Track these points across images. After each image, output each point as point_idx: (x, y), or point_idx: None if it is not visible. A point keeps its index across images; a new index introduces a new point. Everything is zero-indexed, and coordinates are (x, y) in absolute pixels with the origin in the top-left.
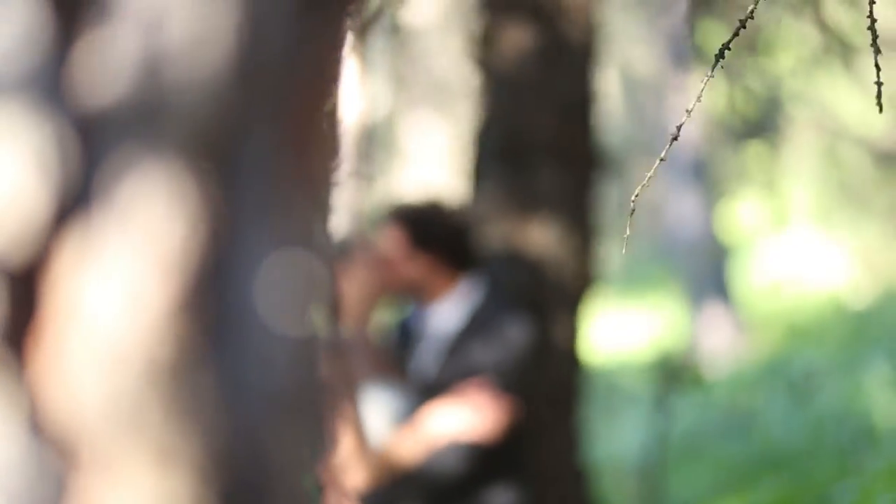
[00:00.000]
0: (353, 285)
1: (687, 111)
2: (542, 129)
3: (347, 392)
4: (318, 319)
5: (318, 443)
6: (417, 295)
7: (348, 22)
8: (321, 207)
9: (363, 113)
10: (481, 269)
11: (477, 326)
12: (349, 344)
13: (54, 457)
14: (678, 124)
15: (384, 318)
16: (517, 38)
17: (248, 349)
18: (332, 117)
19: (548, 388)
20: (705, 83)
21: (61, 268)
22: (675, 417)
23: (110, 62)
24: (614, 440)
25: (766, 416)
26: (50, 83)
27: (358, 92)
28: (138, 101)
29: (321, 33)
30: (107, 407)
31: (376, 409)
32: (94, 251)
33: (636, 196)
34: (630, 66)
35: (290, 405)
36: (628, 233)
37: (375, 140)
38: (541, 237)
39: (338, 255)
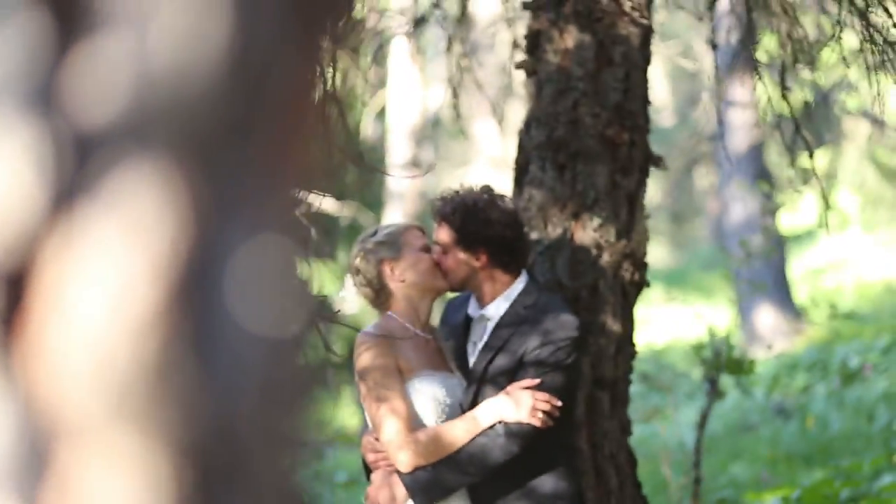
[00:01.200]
0: (408, 277)
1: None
2: (591, 127)
3: (394, 381)
4: (296, 316)
5: (294, 431)
6: (470, 291)
7: (333, 27)
8: (308, 205)
9: (422, 105)
10: (529, 265)
11: (514, 318)
12: (402, 335)
13: (41, 436)
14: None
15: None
16: (568, 36)
17: (228, 346)
18: (319, 115)
19: (601, 375)
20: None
21: (53, 265)
22: (725, 402)
23: (103, 68)
24: (663, 424)
25: (815, 402)
26: (46, 89)
27: (416, 84)
28: (129, 105)
29: (306, 37)
30: (93, 393)
31: (428, 399)
32: (84, 251)
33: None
34: (683, 66)
35: (266, 397)
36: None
37: (438, 131)
38: (590, 233)
39: (392, 248)
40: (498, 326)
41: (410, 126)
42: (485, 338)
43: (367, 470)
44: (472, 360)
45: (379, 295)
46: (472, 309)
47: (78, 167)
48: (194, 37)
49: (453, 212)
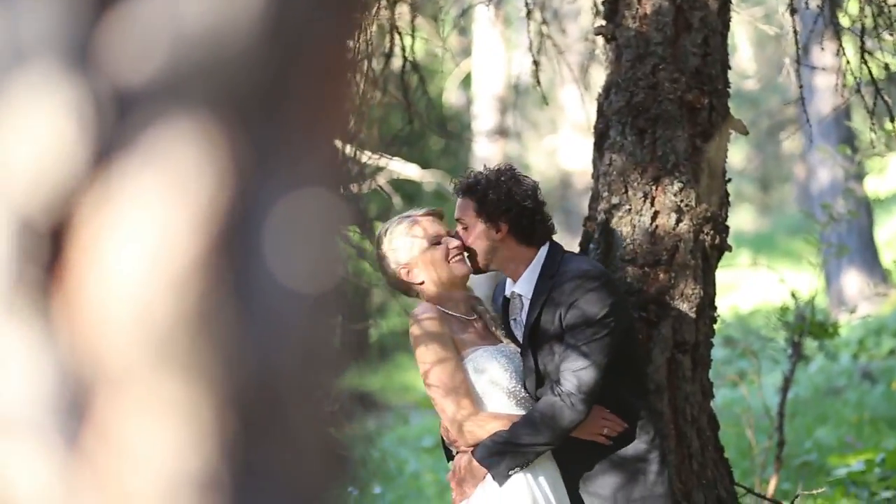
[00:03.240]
0: (425, 276)
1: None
2: (670, 91)
3: (452, 352)
4: (335, 272)
5: (331, 384)
6: (500, 268)
7: None
8: (344, 164)
9: (507, 73)
10: (601, 231)
11: (544, 287)
12: (456, 317)
13: (83, 385)
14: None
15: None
16: (647, 1)
17: (266, 300)
18: (353, 74)
19: (682, 339)
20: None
21: (94, 219)
22: (811, 367)
23: (141, 26)
24: (748, 388)
25: None
26: (85, 47)
27: (501, 51)
28: (166, 63)
29: None
30: (134, 342)
31: (500, 367)
32: (124, 205)
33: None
34: (765, 31)
35: (303, 352)
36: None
37: (524, 99)
38: (670, 197)
39: (403, 252)
40: (534, 299)
41: (496, 94)
42: (524, 314)
43: (448, 451)
44: (518, 335)
45: (408, 291)
46: (507, 289)
47: (117, 124)
48: None
49: (476, 183)
